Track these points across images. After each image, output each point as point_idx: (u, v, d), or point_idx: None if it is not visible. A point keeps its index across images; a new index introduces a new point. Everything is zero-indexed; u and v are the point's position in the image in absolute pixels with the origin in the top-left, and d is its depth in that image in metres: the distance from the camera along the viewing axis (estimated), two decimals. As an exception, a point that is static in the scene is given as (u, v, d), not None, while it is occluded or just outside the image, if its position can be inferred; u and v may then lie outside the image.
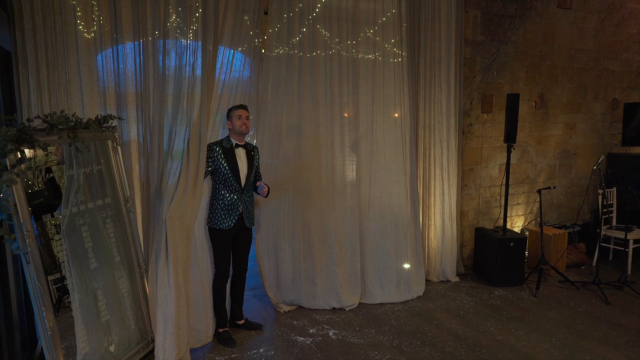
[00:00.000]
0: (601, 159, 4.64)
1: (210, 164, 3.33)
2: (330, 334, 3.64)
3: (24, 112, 2.93)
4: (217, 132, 3.56)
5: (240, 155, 3.42)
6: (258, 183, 3.52)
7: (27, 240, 2.43)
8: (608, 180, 5.70)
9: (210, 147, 3.34)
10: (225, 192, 3.37)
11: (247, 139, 3.52)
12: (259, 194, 3.54)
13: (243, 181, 3.40)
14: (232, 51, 3.56)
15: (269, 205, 3.98)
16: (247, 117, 3.38)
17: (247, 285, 3.75)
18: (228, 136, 3.43)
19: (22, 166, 2.41)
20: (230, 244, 3.48)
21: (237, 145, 3.41)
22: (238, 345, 3.46)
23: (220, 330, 3.54)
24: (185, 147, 3.21)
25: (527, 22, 5.14)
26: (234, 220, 3.38)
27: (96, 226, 2.97)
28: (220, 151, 3.34)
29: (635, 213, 5.05)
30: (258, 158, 3.59)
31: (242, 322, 3.72)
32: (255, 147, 3.58)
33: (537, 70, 5.32)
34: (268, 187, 3.50)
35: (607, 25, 5.70)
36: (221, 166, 3.33)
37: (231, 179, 3.35)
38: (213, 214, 3.39)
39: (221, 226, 3.36)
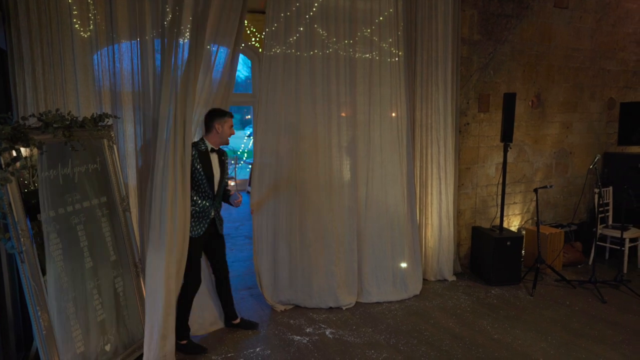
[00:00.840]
0: (597, 158, 4.64)
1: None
2: (327, 333, 3.64)
3: (20, 110, 2.92)
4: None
5: (214, 160, 3.31)
6: (232, 192, 3.39)
7: (22, 240, 2.43)
8: (604, 179, 5.72)
9: None
10: (198, 198, 3.25)
11: None
12: (230, 203, 3.39)
13: (216, 187, 3.30)
14: (229, 50, 3.54)
15: (266, 205, 3.97)
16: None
17: (243, 285, 3.75)
18: (202, 138, 3.29)
19: (17, 164, 2.41)
20: (201, 252, 3.36)
21: (212, 150, 3.30)
22: (235, 344, 3.45)
23: (183, 342, 3.31)
24: (179, 145, 3.19)
25: (524, 22, 5.15)
26: (204, 228, 3.27)
27: (92, 225, 2.96)
28: (196, 155, 3.21)
29: (631, 212, 5.06)
30: (227, 163, 3.49)
31: (237, 321, 3.70)
32: (224, 152, 3.45)
33: (534, 70, 5.33)
34: (241, 197, 3.40)
35: (603, 24, 5.72)
36: (196, 170, 3.21)
37: (205, 184, 3.23)
38: None
39: (192, 234, 3.22)
